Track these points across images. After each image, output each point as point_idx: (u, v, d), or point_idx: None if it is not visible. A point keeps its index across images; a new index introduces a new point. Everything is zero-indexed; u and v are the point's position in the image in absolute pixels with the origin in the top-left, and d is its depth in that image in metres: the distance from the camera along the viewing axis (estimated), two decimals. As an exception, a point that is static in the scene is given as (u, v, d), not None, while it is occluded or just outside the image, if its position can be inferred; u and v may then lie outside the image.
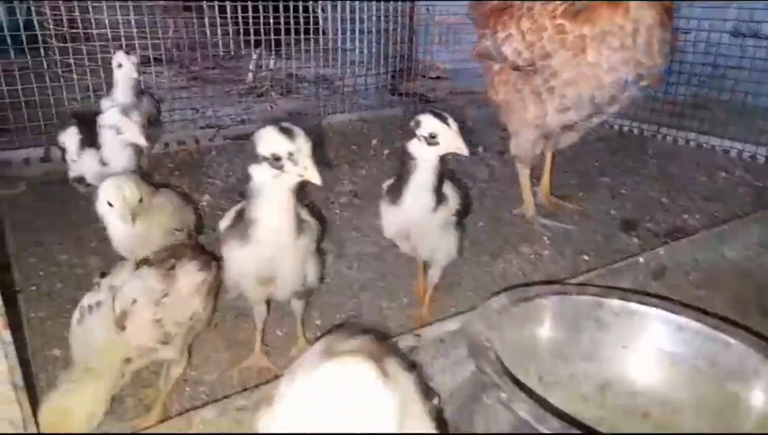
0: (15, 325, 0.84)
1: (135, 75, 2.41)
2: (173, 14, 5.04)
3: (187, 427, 1.01)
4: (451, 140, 1.47)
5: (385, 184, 1.69)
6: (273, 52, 4.63)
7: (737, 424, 1.07)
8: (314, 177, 1.23)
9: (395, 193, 1.58)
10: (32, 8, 3.23)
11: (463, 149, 1.47)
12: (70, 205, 2.27)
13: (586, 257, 2.12)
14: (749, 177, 2.93)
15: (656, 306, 1.23)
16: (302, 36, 4.21)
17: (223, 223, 1.45)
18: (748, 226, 2.11)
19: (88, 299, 1.22)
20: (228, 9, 3.96)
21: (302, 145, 1.22)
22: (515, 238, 2.26)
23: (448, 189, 1.62)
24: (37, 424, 0.95)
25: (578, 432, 0.86)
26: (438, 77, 5.13)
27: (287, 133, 1.22)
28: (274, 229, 1.31)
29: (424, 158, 1.50)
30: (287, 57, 4.55)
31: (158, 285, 1.24)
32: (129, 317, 1.19)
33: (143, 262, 1.30)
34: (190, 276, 1.31)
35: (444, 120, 1.47)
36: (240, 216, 1.37)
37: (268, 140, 1.22)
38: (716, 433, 1.09)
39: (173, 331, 1.25)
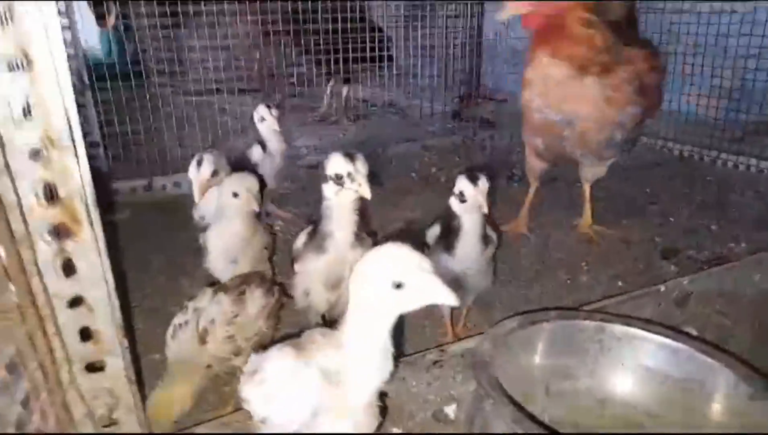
0: (129, 334, 1.15)
1: (277, 127, 2.59)
2: (258, 47, 5.52)
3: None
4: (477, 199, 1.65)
5: (431, 234, 1.86)
6: (345, 81, 5.01)
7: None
8: (366, 192, 1.50)
9: (446, 243, 1.76)
10: (138, 45, 3.76)
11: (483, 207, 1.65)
12: (169, 230, 2.67)
13: (620, 283, 2.24)
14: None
15: (652, 331, 1.39)
16: (373, 64, 4.56)
17: (300, 241, 1.72)
18: None
19: (178, 319, 1.55)
20: (303, 40, 4.36)
21: (360, 166, 1.51)
22: (555, 262, 2.42)
23: (487, 229, 1.80)
24: (144, 409, 1.26)
25: (544, 432, 1.05)
26: (504, 99, 5.30)
27: (348, 156, 1.52)
28: (341, 239, 1.59)
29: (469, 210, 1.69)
30: (360, 84, 4.94)
31: (231, 308, 1.54)
32: (209, 334, 1.50)
33: (220, 289, 1.61)
34: (257, 301, 1.59)
35: (474, 180, 1.65)
36: (312, 234, 1.66)
37: (334, 162, 1.52)
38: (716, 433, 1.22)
39: (243, 345, 1.55)
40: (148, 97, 3.66)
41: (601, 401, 1.41)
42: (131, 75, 3.47)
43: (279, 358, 1.04)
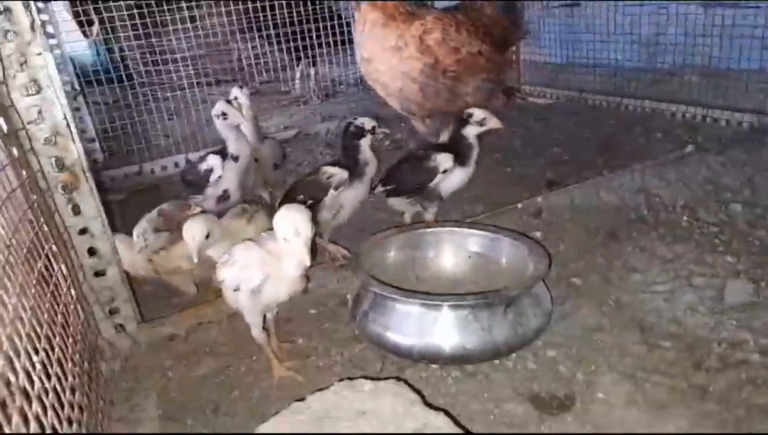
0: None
1: (243, 120, 2.54)
2: (235, 38, 6.06)
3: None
4: None
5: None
6: (313, 64, 5.58)
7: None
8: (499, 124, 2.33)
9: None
10: (124, 47, 4.33)
11: None
12: (157, 202, 3.28)
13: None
14: (679, 133, 3.46)
15: (473, 228, 2.03)
16: (336, 47, 5.14)
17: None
18: (631, 174, 2.76)
19: None
20: (272, 30, 4.93)
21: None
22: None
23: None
24: (136, 301, 1.90)
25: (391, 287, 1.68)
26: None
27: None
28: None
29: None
30: (326, 66, 5.52)
31: None
32: None
33: None
34: None
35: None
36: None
37: (476, 113, 2.30)
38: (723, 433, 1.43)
39: None
40: (133, 95, 4.26)
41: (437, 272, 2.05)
42: (117, 77, 4.07)
43: (242, 247, 1.66)
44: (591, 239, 2.36)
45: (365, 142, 2.25)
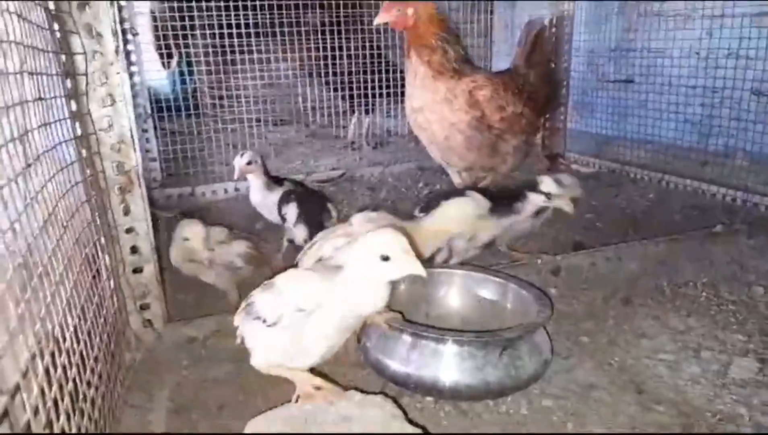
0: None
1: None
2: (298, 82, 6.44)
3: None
4: None
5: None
6: (369, 113, 5.88)
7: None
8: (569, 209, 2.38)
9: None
10: (196, 80, 4.74)
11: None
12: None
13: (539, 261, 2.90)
14: (718, 214, 3.45)
15: (481, 272, 2.12)
16: (389, 98, 5.42)
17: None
18: (656, 245, 2.79)
19: None
20: (332, 78, 5.27)
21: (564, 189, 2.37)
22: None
23: None
24: (165, 301, 2.07)
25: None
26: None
27: (557, 181, 2.37)
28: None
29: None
30: (381, 115, 5.81)
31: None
32: None
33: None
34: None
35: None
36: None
37: (546, 183, 2.39)
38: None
39: None
40: (197, 124, 4.64)
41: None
42: (187, 107, 4.44)
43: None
44: (605, 302, 2.39)
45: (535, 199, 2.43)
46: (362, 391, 1.48)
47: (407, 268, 1.47)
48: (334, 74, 5.20)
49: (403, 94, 5.35)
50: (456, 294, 2.13)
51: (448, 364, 1.70)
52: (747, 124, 3.89)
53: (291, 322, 1.49)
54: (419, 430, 1.32)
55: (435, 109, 3.04)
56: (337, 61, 5.02)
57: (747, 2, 3.79)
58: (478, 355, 1.69)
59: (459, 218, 2.40)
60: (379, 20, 3.02)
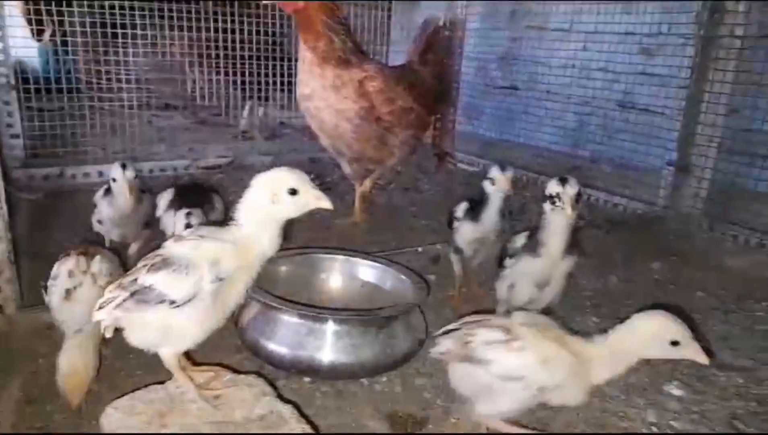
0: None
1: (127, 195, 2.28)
2: (191, 69, 6.14)
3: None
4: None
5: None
6: (263, 103, 5.73)
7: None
8: (568, 212, 1.72)
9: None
10: (72, 57, 4.35)
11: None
12: (72, 210, 3.26)
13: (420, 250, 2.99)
14: (583, 213, 3.78)
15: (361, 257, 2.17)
16: (283, 87, 5.32)
17: (518, 242, 1.95)
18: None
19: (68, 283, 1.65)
20: (225, 65, 5.07)
21: (569, 189, 1.73)
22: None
23: None
24: (21, 292, 1.88)
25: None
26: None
27: (562, 181, 1.75)
28: (554, 248, 1.83)
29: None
30: (278, 107, 5.68)
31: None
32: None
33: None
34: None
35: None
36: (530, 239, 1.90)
37: (550, 185, 1.78)
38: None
39: None
40: (70, 101, 4.26)
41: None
42: (64, 86, 4.07)
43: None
44: (480, 287, 2.53)
45: (547, 208, 1.79)
46: (236, 372, 1.45)
47: (317, 202, 1.41)
48: (226, 58, 5.03)
49: (294, 84, 5.35)
50: (337, 278, 2.15)
51: (325, 344, 1.71)
52: (612, 133, 4.29)
53: (209, 295, 1.35)
54: (289, 406, 1.32)
55: (323, 96, 3.01)
56: (229, 45, 4.86)
57: (616, 22, 4.18)
58: (356, 333, 1.72)
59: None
60: None
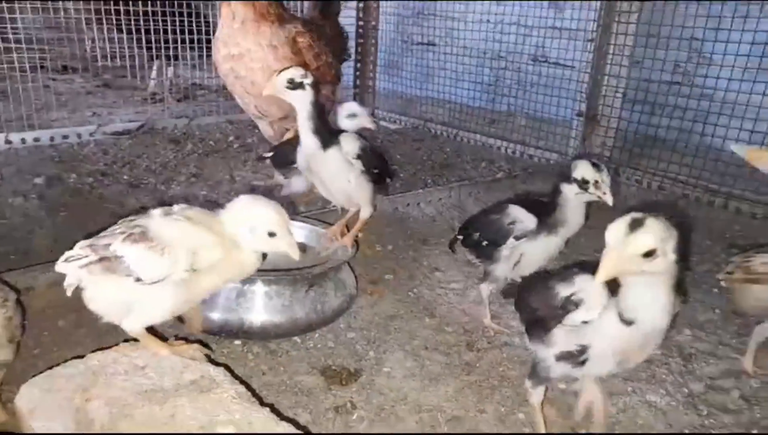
0: None
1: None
2: (89, 27, 5.66)
3: None
4: None
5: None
6: (172, 63, 5.40)
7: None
8: (610, 201, 1.66)
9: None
10: None
11: None
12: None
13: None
14: (502, 165, 3.92)
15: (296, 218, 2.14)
16: (192, 44, 5.01)
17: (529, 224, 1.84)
18: (450, 191, 3.07)
19: None
20: (131, 23, 4.70)
21: (605, 177, 1.67)
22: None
23: None
24: None
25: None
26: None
27: (596, 166, 1.67)
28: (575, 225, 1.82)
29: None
30: (191, 67, 5.37)
31: None
32: None
33: None
34: None
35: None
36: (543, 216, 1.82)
37: (583, 168, 1.67)
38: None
39: None
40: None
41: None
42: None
43: None
44: (405, 242, 2.58)
45: (570, 192, 1.75)
46: (163, 340, 1.40)
47: (287, 249, 1.43)
48: (128, 15, 4.67)
49: (209, 42, 5.08)
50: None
51: (256, 305, 1.69)
52: (526, 87, 4.42)
53: (180, 281, 1.31)
54: (221, 368, 1.30)
55: (258, 57, 2.83)
56: (136, 3, 4.51)
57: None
58: (286, 293, 1.71)
59: None
60: None
